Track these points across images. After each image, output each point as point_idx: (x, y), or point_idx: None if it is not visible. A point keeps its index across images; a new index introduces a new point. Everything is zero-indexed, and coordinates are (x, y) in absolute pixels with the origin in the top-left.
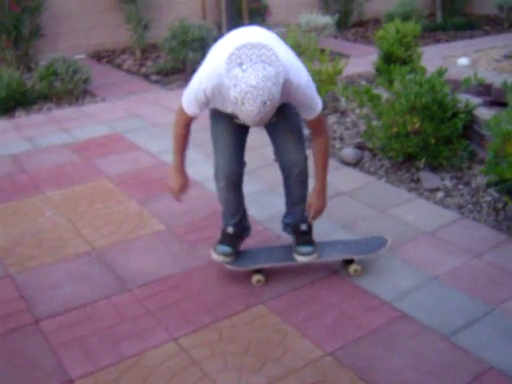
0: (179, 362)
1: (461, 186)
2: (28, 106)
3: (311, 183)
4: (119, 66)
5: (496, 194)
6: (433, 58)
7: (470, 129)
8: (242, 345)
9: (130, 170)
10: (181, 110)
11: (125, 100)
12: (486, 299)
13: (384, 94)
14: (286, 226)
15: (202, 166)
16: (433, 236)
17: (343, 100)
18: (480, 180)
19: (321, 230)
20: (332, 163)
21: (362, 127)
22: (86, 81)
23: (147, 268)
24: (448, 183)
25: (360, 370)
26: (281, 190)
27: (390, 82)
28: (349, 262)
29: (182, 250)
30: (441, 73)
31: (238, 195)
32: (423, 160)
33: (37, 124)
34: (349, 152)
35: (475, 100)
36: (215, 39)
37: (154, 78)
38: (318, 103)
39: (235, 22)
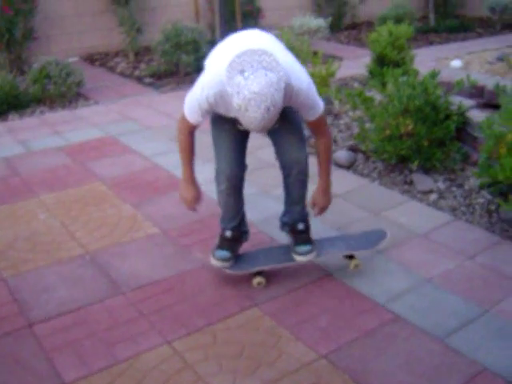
0: (173, 366)
1: (454, 188)
2: (21, 109)
3: (311, 184)
4: (112, 69)
5: (489, 196)
6: (426, 60)
7: (462, 131)
8: (236, 348)
9: (123, 173)
10: (183, 119)
11: (118, 103)
12: (479, 301)
13: (377, 97)
14: (284, 225)
15: (197, 169)
16: (426, 238)
17: (336, 102)
18: (473, 182)
19: (314, 232)
20: None
21: (356, 130)
22: (79, 84)
23: (141, 271)
24: (441, 185)
25: (354, 372)
26: (275, 192)
27: (383, 85)
28: (349, 257)
29: (175, 253)
30: (434, 75)
31: (238, 198)
32: (416, 162)
33: (30, 127)
34: (342, 154)
35: (468, 102)
36: (209, 42)
37: (148, 80)
38: (320, 104)
39: (228, 24)
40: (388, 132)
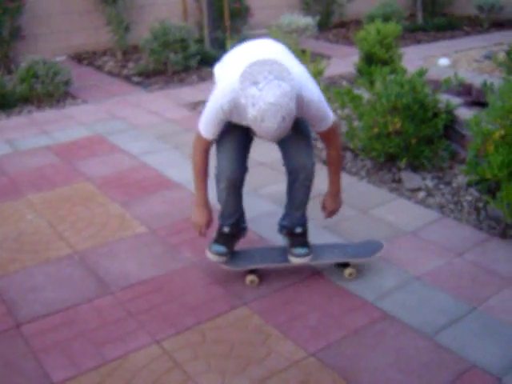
0: (162, 365)
1: (442, 186)
2: (8, 109)
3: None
4: (100, 68)
5: (477, 194)
6: (414, 58)
7: (450, 129)
8: (225, 347)
9: (111, 172)
10: (198, 138)
11: (106, 102)
12: (468, 298)
13: (365, 95)
14: (282, 228)
15: (185, 167)
16: (414, 236)
17: None
18: (461, 180)
19: None
20: None
21: (344, 128)
22: (66, 83)
23: (130, 271)
24: (429, 183)
25: (343, 370)
26: (264, 191)
27: (371, 83)
28: (344, 265)
29: (164, 252)
30: (421, 73)
31: (237, 197)
32: (404, 160)
33: (17, 126)
34: None
35: (456, 100)
36: (197, 40)
37: (136, 79)
38: (330, 115)
39: (216, 23)
40: (376, 130)
